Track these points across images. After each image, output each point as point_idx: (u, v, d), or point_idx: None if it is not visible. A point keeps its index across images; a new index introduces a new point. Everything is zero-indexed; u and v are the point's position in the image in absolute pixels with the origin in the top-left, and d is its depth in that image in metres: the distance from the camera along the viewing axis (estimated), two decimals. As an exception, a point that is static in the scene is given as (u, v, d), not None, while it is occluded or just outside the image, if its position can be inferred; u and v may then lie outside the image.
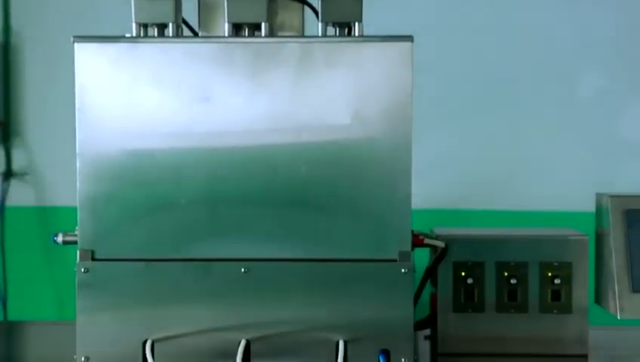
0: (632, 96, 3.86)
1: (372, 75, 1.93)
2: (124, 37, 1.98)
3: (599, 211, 2.16)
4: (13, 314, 3.59)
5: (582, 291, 2.13)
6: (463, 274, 2.14)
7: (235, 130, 1.96)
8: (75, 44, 1.94)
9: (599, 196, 2.16)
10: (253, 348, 1.95)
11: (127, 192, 1.96)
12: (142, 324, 1.96)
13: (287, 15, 2.11)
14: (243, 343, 1.93)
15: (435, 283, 2.17)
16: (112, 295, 1.97)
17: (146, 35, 2.00)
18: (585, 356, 2.13)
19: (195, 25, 2.11)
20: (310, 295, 1.96)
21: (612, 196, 2.09)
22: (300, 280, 1.96)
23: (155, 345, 1.96)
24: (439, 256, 2.13)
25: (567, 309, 2.13)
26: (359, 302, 1.96)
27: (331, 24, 2.00)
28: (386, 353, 1.95)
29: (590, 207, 2.22)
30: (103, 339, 1.97)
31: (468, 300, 2.14)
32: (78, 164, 1.95)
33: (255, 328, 1.95)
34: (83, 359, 1.97)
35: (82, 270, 1.96)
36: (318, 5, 1.98)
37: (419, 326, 2.16)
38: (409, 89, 1.92)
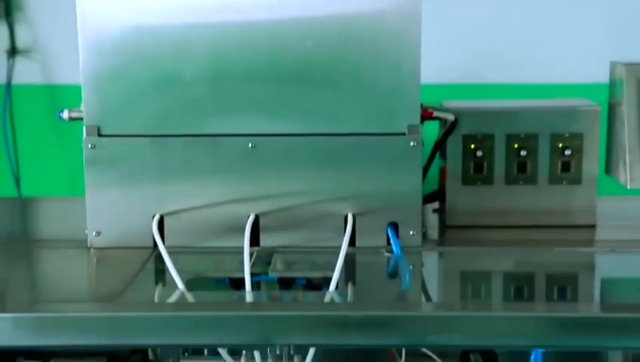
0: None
1: (380, -58, 1.86)
2: None
3: (613, 81, 2.11)
4: (27, 191, 3.61)
5: (592, 162, 2.11)
6: (473, 146, 2.12)
7: (241, 4, 1.91)
8: None
9: (613, 65, 2.11)
10: (261, 222, 1.97)
11: (132, 68, 1.93)
12: (151, 199, 1.97)
13: None
14: (252, 217, 1.94)
15: (444, 157, 2.16)
16: (120, 170, 1.97)
17: None
18: (593, 226, 2.13)
19: None
20: (318, 169, 1.96)
21: (627, 64, 2.04)
22: (308, 155, 1.96)
23: (165, 219, 1.97)
24: (448, 129, 2.11)
25: (576, 180, 2.12)
26: (368, 176, 1.96)
27: None
28: (394, 225, 1.96)
29: (604, 79, 2.18)
30: (113, 214, 1.99)
31: (477, 173, 2.13)
32: (79, 38, 1.92)
33: (264, 202, 1.96)
34: (94, 233, 1.99)
35: (89, 146, 1.96)
36: None
37: (427, 199, 2.16)
38: (418, -42, 1.86)
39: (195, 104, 1.95)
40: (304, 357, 1.88)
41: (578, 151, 2.10)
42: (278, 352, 1.78)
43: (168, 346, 1.94)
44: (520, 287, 1.89)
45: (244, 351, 1.96)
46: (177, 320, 1.59)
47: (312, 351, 1.84)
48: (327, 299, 1.71)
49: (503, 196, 2.13)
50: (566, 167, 2.11)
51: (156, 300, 1.75)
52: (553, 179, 2.12)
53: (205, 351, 2.05)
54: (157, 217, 1.96)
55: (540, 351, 1.99)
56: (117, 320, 1.60)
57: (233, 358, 1.95)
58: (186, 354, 2.03)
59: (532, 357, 2.01)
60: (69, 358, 2.02)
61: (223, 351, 1.93)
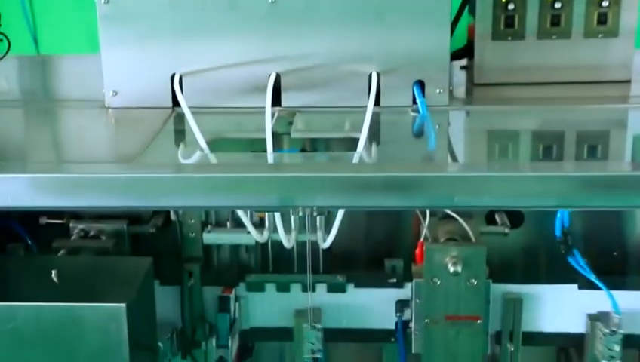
0: None
1: None
2: None
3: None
4: (45, 49, 3.54)
5: (631, 13, 2.00)
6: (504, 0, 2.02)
7: None
8: None
9: None
10: (283, 81, 1.90)
11: None
12: (169, 58, 1.91)
13: None
14: (273, 76, 1.88)
15: (472, 12, 2.06)
16: (136, 28, 1.90)
17: None
18: (628, 81, 2.05)
19: None
20: (342, 25, 1.87)
21: None
22: (331, 9, 1.86)
23: (184, 79, 1.92)
24: (479, -19, 2.00)
25: (613, 33, 2.02)
26: (393, 32, 1.87)
27: None
28: (420, 84, 1.90)
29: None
30: (129, 74, 1.93)
31: (508, 27, 2.03)
32: None
33: (285, 60, 1.89)
34: (111, 93, 1.95)
35: (102, 1, 1.88)
36: None
37: (454, 56, 2.07)
38: None
39: (213, -43, 1.86)
40: (327, 219, 1.86)
41: (616, 2, 1.99)
42: (300, 214, 1.76)
43: (189, 208, 1.93)
44: (549, 146, 1.83)
45: (266, 217, 1.95)
46: (198, 181, 1.55)
47: (340, 213, 1.82)
48: (351, 159, 1.67)
49: (535, 51, 2.04)
50: (602, 20, 2.01)
51: (176, 161, 1.72)
52: (588, 33, 2.02)
53: (228, 224, 2.04)
54: (177, 76, 1.90)
55: (566, 211, 1.96)
56: (137, 181, 1.56)
57: (256, 226, 1.94)
58: (209, 227, 2.03)
59: (558, 217, 1.99)
60: (91, 219, 2.03)
61: (245, 219, 1.92)
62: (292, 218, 1.87)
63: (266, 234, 1.95)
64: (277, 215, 1.86)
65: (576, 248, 1.99)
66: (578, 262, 1.97)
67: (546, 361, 2.22)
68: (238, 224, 2.00)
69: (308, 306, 2.02)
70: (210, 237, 2.02)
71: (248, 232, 1.95)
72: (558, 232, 1.98)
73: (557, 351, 2.20)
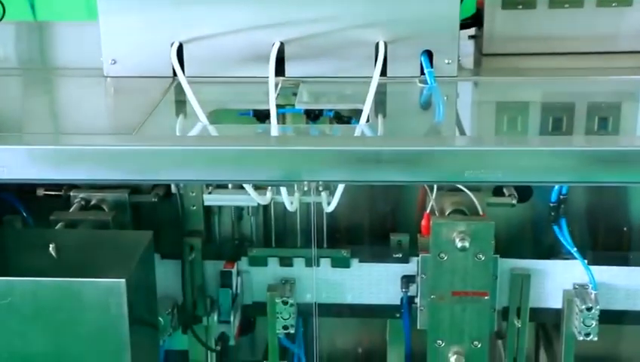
0: None
1: None
2: None
3: None
4: (42, 15, 3.48)
5: (646, -19, 1.95)
6: (515, -34, 1.96)
7: None
8: None
9: None
10: (287, 50, 1.85)
11: None
12: (169, 25, 1.86)
13: None
14: (276, 45, 1.82)
15: (482, -22, 2.01)
16: (135, -6, 1.85)
17: None
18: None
19: None
20: (349, -8, 1.82)
21: None
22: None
23: (184, 47, 1.86)
24: (489, -54, 1.94)
25: (627, 1, 1.96)
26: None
27: None
28: (428, 54, 1.84)
29: None
30: (129, 41, 1.89)
31: (518, -5, 1.98)
32: None
33: (289, 28, 1.84)
34: (110, 61, 1.90)
35: (100, -34, 1.83)
36: None
37: (463, 25, 2.01)
38: None
39: None
40: (333, 193, 1.82)
41: (630, -30, 1.94)
42: (305, 189, 1.72)
43: (189, 181, 1.89)
44: (559, 118, 1.78)
45: (269, 187, 1.90)
46: (199, 154, 1.51)
47: (340, 188, 1.77)
48: (357, 132, 1.62)
49: (546, 21, 1.99)
50: (616, -12, 1.96)
51: (177, 133, 1.67)
52: (602, 2, 1.97)
53: (230, 185, 1.99)
54: (176, 44, 1.85)
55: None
56: (137, 153, 1.52)
57: (259, 193, 1.89)
58: (210, 188, 1.98)
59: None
60: (90, 189, 1.99)
61: (247, 186, 1.87)
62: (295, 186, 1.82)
63: (268, 195, 1.89)
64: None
65: (571, 220, 1.95)
66: (562, 233, 1.93)
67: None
68: (240, 186, 1.95)
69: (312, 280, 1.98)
70: (211, 198, 1.97)
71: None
72: (554, 198, 1.94)
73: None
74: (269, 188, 1.90)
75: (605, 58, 1.98)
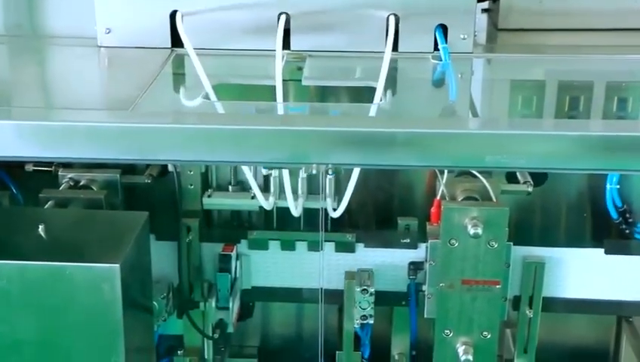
0: None
1: None
2: None
3: None
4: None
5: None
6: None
7: None
8: None
9: None
10: (292, 22, 1.75)
11: None
12: (169, -6, 1.76)
13: None
14: (283, 17, 1.73)
15: (499, -51, 1.90)
16: (131, -43, 1.75)
17: None
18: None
19: None
20: (358, -39, 1.73)
21: None
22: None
23: (185, 19, 1.76)
24: None
25: (653, -26, 1.88)
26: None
27: None
28: (443, 28, 1.75)
29: None
30: (124, 9, 1.79)
31: (537, -33, 1.88)
32: None
33: (296, 0, 1.74)
34: (104, 30, 1.80)
35: None
36: None
37: (479, -3, 1.92)
38: None
39: None
40: (337, 182, 1.74)
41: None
42: (314, 172, 1.63)
43: (189, 162, 1.80)
44: (576, 98, 1.69)
45: (272, 174, 1.82)
46: (200, 133, 1.42)
47: (354, 176, 1.69)
48: (368, 112, 1.52)
49: (565, -3, 1.90)
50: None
51: (176, 109, 1.58)
52: (626, -26, 1.89)
53: (230, 188, 1.94)
54: (180, 14, 1.74)
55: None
56: (133, 131, 1.43)
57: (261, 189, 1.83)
58: (210, 191, 1.91)
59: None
60: (81, 167, 1.89)
61: (250, 178, 1.79)
62: (299, 180, 1.74)
63: (271, 199, 1.83)
64: (285, 176, 1.73)
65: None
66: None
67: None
68: (243, 188, 1.90)
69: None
70: (210, 202, 1.92)
71: (252, 197, 1.85)
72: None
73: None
74: (272, 191, 1.86)
75: (629, 35, 1.90)
